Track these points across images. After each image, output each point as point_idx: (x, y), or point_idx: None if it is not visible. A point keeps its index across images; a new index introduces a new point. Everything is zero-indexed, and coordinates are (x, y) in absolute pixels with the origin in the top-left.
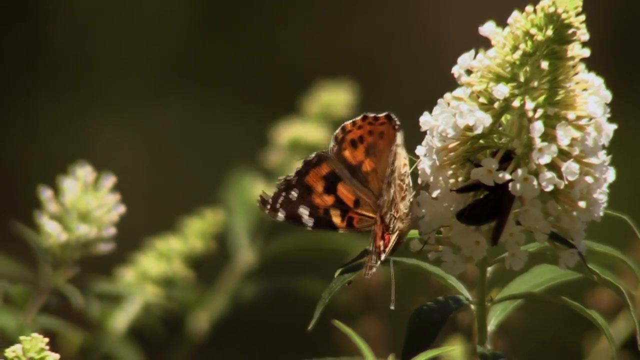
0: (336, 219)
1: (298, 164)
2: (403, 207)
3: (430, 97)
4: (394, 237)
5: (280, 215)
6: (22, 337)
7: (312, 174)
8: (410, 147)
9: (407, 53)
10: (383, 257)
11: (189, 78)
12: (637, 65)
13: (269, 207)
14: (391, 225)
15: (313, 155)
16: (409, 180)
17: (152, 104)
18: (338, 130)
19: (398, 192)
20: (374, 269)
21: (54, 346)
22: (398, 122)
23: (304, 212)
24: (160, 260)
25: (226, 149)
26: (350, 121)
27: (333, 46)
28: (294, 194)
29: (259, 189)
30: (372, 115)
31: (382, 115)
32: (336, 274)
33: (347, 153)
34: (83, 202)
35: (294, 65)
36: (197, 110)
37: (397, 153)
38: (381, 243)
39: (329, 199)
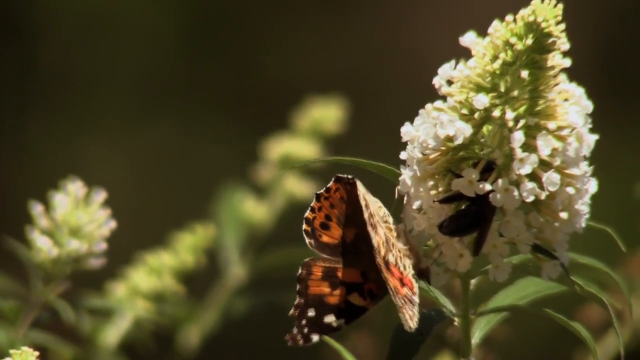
0: (359, 302)
1: (295, 286)
2: (401, 243)
3: (416, 112)
4: (411, 275)
5: (316, 337)
6: (12, 351)
7: (312, 283)
8: (395, 164)
9: (394, 70)
10: (416, 298)
11: (177, 94)
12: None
13: (300, 339)
14: (401, 265)
15: (300, 269)
16: (391, 219)
17: (141, 121)
18: (304, 225)
19: (389, 232)
20: (416, 317)
21: None
22: (349, 177)
23: (330, 320)
24: (151, 275)
25: (216, 164)
26: (309, 210)
27: (321, 63)
28: (312, 313)
29: (249, 204)
30: (323, 190)
31: (331, 183)
32: None
33: (325, 239)
34: (74, 218)
35: (282, 81)
36: (186, 127)
37: (364, 200)
38: (405, 290)
39: (340, 292)
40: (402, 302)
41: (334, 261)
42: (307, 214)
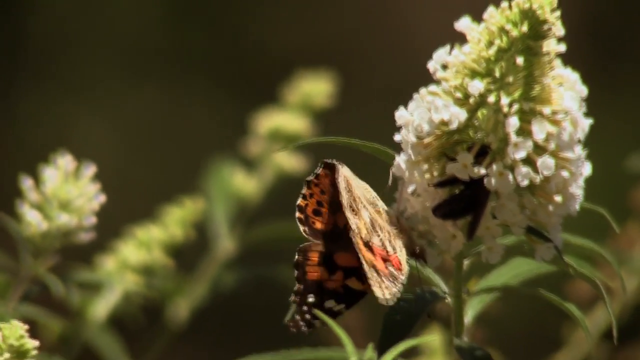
0: (358, 286)
1: (293, 274)
2: (391, 226)
3: (404, 85)
4: (402, 255)
5: (315, 322)
6: (1, 324)
7: (310, 269)
8: (384, 138)
9: (381, 40)
10: (402, 276)
11: (166, 67)
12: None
13: (303, 325)
14: (389, 247)
15: (296, 255)
16: (381, 202)
17: (129, 93)
18: (297, 213)
19: (376, 215)
20: (392, 290)
21: (34, 334)
22: (334, 161)
23: (331, 305)
24: (140, 249)
25: (205, 137)
26: (300, 197)
27: (310, 33)
28: (312, 299)
29: (238, 178)
30: (312, 177)
31: (320, 169)
32: None
33: (318, 225)
34: (64, 191)
35: (270, 52)
36: (174, 99)
37: (345, 182)
38: (390, 269)
39: (338, 277)
40: (377, 276)
41: (329, 246)
42: (299, 201)
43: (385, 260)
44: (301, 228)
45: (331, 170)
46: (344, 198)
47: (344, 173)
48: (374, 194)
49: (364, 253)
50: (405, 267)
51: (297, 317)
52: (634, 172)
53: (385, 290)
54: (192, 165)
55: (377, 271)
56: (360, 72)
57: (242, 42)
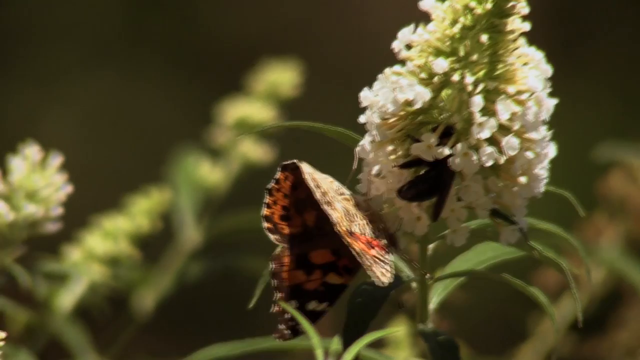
0: (338, 280)
1: (271, 282)
2: (362, 211)
3: (363, 68)
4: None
5: (300, 329)
6: None
7: (286, 275)
8: (345, 123)
9: (341, 24)
10: (388, 257)
11: (130, 56)
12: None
13: (288, 334)
14: (366, 232)
15: (270, 264)
16: (347, 190)
17: (93, 83)
18: (265, 223)
19: (347, 203)
20: (389, 273)
21: (0, 325)
22: (294, 162)
23: (313, 306)
24: (107, 239)
25: (169, 127)
26: (264, 206)
27: (271, 19)
28: (294, 305)
29: (204, 167)
30: (272, 183)
31: (278, 173)
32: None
33: (288, 230)
34: (31, 182)
35: (230, 39)
36: (138, 89)
37: (313, 180)
38: (374, 251)
39: (317, 276)
40: (371, 262)
41: (302, 248)
42: (265, 211)
43: (370, 245)
44: (272, 237)
45: (291, 171)
46: (318, 194)
47: (308, 170)
48: (337, 183)
49: (351, 241)
50: (386, 249)
51: (282, 326)
52: (600, 162)
53: (380, 271)
54: (157, 155)
55: (369, 256)
56: (319, 56)
57: (203, 30)
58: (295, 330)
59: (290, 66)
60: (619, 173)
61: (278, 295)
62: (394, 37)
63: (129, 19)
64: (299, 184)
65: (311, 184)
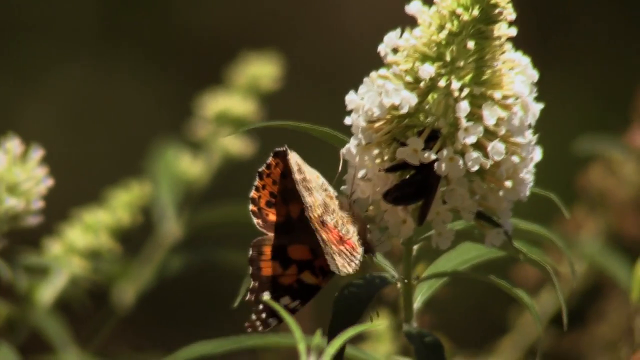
0: (312, 280)
1: (248, 270)
2: (344, 212)
3: (336, 60)
4: (355, 240)
5: (272, 321)
6: None
7: (263, 264)
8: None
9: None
10: (358, 256)
11: (111, 49)
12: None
13: (259, 325)
14: (343, 229)
15: (250, 251)
16: (332, 189)
17: (74, 75)
18: (251, 206)
19: (329, 200)
20: (353, 265)
21: None
22: (283, 149)
23: (286, 302)
24: (87, 233)
25: (148, 120)
26: (253, 189)
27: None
28: (267, 295)
29: (184, 161)
30: (263, 167)
31: (270, 158)
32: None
33: (271, 217)
34: (12, 175)
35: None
36: (118, 82)
37: (297, 165)
38: (343, 247)
39: (292, 271)
40: (335, 252)
41: (283, 239)
42: (252, 193)
43: (341, 241)
44: (255, 221)
45: (282, 158)
46: (297, 175)
47: (295, 157)
48: (324, 180)
49: (319, 228)
50: (360, 249)
51: (254, 317)
52: (580, 155)
53: (341, 262)
54: (137, 148)
55: (332, 247)
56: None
57: (179, 23)
58: (267, 323)
59: (271, 59)
60: (599, 166)
61: (252, 284)
62: (369, 31)
63: (105, 12)
64: (289, 173)
65: (295, 168)
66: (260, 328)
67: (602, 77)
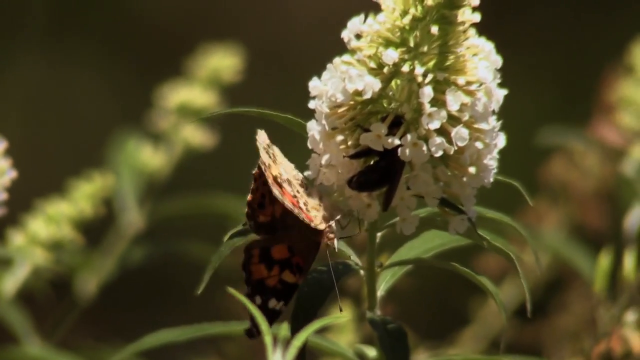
0: (291, 278)
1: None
2: (314, 199)
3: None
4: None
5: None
6: None
7: (253, 268)
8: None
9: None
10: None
11: (70, 39)
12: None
13: (256, 332)
14: (312, 214)
15: (243, 256)
16: (305, 181)
17: (33, 66)
18: (246, 209)
19: (302, 189)
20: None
21: None
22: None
23: (273, 304)
24: (50, 224)
25: (108, 111)
26: (250, 193)
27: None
28: (259, 301)
29: (145, 152)
30: (255, 170)
31: (260, 159)
32: (225, 239)
33: (261, 218)
34: None
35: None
36: (77, 73)
37: (264, 150)
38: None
39: (275, 271)
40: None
41: (268, 241)
42: (249, 196)
43: (297, 206)
44: (248, 223)
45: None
46: (260, 140)
47: (266, 137)
48: (298, 172)
49: (287, 196)
50: (316, 224)
51: (250, 324)
52: (540, 147)
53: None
54: (98, 140)
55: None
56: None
57: (136, 14)
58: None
59: (232, 51)
60: (560, 158)
61: (247, 289)
62: (325, 17)
63: (60, 4)
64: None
65: (261, 151)
66: (257, 335)
67: (560, 67)
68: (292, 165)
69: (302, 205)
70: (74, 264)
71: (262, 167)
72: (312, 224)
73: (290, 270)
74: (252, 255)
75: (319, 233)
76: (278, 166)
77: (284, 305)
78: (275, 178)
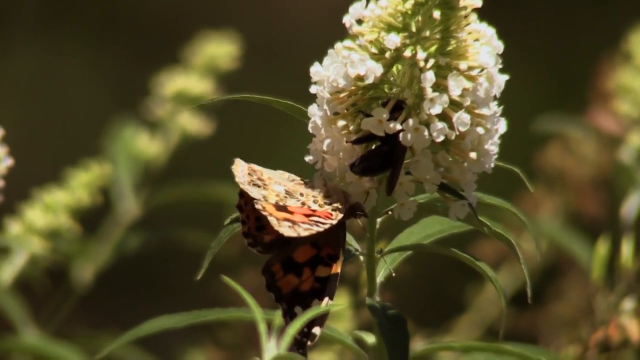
0: (326, 271)
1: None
2: (316, 190)
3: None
4: (330, 209)
5: (317, 330)
6: None
7: (281, 283)
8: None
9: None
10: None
11: (66, 28)
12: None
13: (306, 341)
14: (315, 206)
15: (264, 277)
16: (298, 177)
17: (28, 54)
18: (245, 240)
19: (299, 186)
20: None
21: None
22: (236, 180)
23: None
24: (47, 213)
25: (105, 99)
26: (241, 225)
27: None
28: (299, 310)
29: (142, 140)
30: (238, 200)
31: (240, 188)
32: (225, 223)
33: (267, 238)
34: None
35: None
36: (74, 61)
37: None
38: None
39: (307, 273)
40: (291, 222)
41: (285, 251)
42: (242, 228)
43: (309, 215)
44: (255, 250)
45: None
46: (237, 177)
47: (243, 165)
48: (290, 174)
49: (272, 211)
50: (336, 215)
51: (298, 335)
52: (537, 134)
53: (295, 228)
54: (94, 127)
55: (291, 222)
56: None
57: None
58: (311, 335)
59: (228, 39)
60: (557, 146)
61: (281, 307)
62: (324, 9)
63: None
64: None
65: (236, 172)
66: (310, 343)
67: (556, 55)
68: (280, 172)
69: (313, 205)
70: (71, 252)
71: (258, 206)
72: (335, 221)
73: (322, 264)
74: (274, 272)
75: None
76: (269, 188)
77: (330, 300)
78: (277, 205)
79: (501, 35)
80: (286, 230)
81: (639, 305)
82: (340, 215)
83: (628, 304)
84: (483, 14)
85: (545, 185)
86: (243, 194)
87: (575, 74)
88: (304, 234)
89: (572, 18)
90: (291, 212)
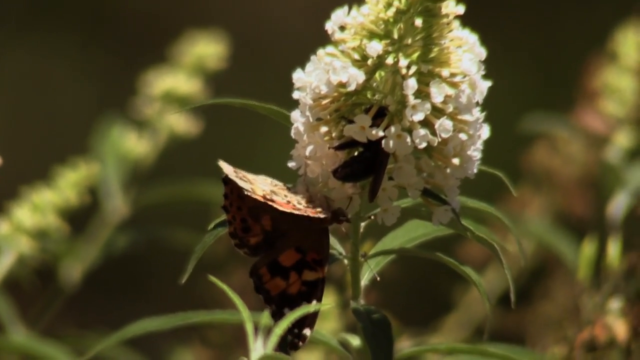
0: (313, 275)
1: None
2: (299, 195)
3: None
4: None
5: (307, 331)
6: None
7: (269, 286)
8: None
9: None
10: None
11: (51, 26)
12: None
13: (298, 341)
14: (300, 206)
15: (252, 279)
16: (281, 183)
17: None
18: (232, 241)
19: (282, 190)
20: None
21: None
22: (224, 177)
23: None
24: (35, 213)
25: (92, 99)
26: (228, 226)
27: None
28: (287, 311)
29: (130, 139)
30: (223, 201)
31: (224, 188)
32: (209, 228)
33: (253, 240)
34: None
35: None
36: (60, 60)
37: (232, 170)
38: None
39: (294, 277)
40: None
41: (271, 254)
42: (228, 229)
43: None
44: (241, 252)
45: (232, 182)
46: (229, 172)
47: (230, 166)
48: (273, 179)
49: (285, 206)
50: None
51: (289, 337)
52: (523, 134)
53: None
54: (82, 127)
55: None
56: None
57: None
58: (302, 336)
59: (216, 38)
60: (544, 145)
61: (270, 308)
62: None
63: None
64: (240, 197)
65: (226, 169)
66: (301, 344)
67: (541, 54)
68: (263, 177)
69: (298, 205)
70: (59, 251)
71: (247, 194)
72: (322, 216)
73: (308, 268)
74: (261, 275)
75: (325, 221)
76: (256, 185)
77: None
78: (264, 197)
79: (487, 34)
80: (277, 205)
81: (625, 305)
82: (324, 216)
83: (614, 304)
84: (466, 12)
85: (532, 185)
86: (227, 195)
87: (561, 73)
88: (296, 210)
89: (559, 18)
90: (279, 204)
